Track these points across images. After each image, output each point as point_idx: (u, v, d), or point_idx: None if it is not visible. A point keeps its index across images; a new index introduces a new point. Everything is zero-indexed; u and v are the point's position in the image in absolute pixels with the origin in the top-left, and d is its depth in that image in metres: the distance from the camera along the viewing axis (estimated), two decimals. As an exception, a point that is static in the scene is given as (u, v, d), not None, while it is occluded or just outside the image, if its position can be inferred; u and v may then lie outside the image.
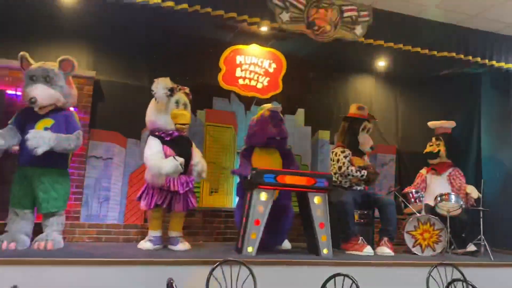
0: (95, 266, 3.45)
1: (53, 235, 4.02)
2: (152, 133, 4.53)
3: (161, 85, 4.41)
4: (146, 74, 5.43)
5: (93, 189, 5.08)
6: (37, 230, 4.15)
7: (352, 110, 5.49)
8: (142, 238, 4.60)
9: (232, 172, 5.17)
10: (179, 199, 4.41)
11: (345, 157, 5.16)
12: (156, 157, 4.30)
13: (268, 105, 5.07)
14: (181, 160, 4.21)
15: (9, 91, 4.73)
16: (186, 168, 4.49)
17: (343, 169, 5.09)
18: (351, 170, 5.08)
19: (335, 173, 5.18)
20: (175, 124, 4.47)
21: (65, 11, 4.97)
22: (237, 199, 5.15)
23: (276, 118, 4.89)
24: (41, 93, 4.04)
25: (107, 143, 5.20)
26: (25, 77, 4.19)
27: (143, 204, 4.44)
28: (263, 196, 4.27)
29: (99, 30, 5.25)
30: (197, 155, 4.68)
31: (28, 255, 3.47)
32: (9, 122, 4.17)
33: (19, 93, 4.59)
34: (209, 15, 4.73)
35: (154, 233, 4.46)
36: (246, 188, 4.59)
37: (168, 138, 4.46)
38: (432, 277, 3.35)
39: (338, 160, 5.17)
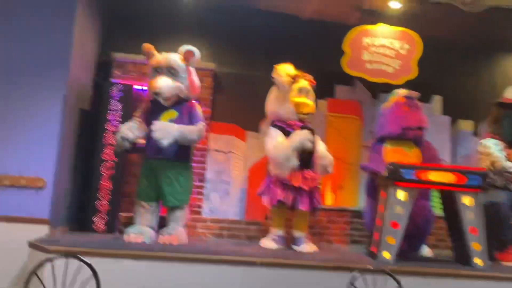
0: (219, 264, 3.26)
1: (178, 229, 3.96)
2: (273, 123, 4.25)
3: (283, 71, 4.12)
4: (264, 63, 5.18)
5: (214, 183, 5.03)
6: (161, 223, 4.14)
7: (509, 94, 4.60)
8: (263, 236, 4.37)
9: (363, 168, 4.64)
10: (304, 196, 4.06)
11: (499, 150, 4.34)
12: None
13: (402, 91, 4.46)
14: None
15: (136, 86, 4.85)
16: (310, 161, 4.12)
17: (498, 164, 4.27)
18: (509, 166, 4.25)
19: (485, 170, 4.40)
20: (298, 113, 4.14)
21: (185, 3, 5.00)
22: (364, 198, 4.66)
23: (412, 105, 4.31)
24: (165, 85, 4.00)
25: (228, 136, 5.18)
26: (151, 70, 4.19)
27: (265, 200, 4.19)
28: (401, 195, 3.72)
29: (217, 20, 5.21)
30: (322, 147, 4.29)
31: (154, 249, 3.41)
32: (135, 114, 4.21)
33: (145, 87, 4.65)
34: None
35: (277, 231, 4.20)
36: (380, 185, 4.10)
37: (290, 129, 4.13)
38: None
39: (489, 154, 4.36)
